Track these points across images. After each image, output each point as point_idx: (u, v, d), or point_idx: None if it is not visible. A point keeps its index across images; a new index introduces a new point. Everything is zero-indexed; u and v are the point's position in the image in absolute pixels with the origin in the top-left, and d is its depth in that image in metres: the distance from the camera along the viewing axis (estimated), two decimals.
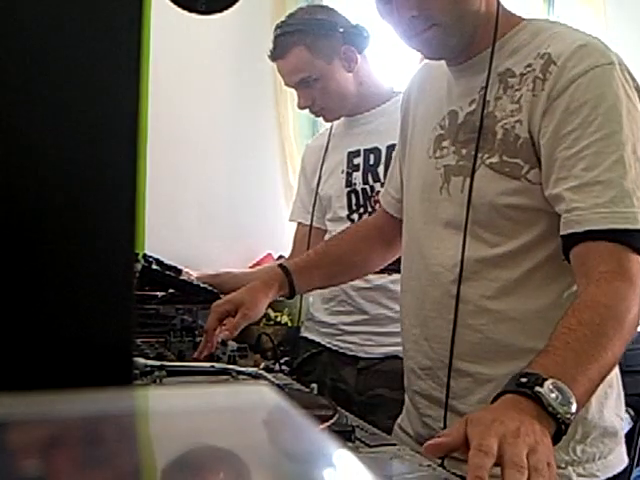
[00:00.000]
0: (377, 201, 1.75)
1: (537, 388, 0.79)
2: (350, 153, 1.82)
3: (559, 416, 0.78)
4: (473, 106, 1.13)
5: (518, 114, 1.05)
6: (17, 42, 0.44)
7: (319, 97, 1.79)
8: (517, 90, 1.06)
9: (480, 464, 0.69)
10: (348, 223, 1.79)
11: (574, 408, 0.79)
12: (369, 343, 1.75)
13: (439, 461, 0.97)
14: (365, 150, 1.79)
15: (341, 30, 1.75)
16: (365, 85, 1.81)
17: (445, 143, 1.17)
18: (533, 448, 0.72)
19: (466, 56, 1.14)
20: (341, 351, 1.79)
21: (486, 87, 1.10)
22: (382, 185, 1.74)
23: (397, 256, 1.50)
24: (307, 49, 1.74)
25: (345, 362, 1.78)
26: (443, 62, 1.19)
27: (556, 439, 0.79)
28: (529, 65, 1.06)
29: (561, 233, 1.00)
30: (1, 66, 0.43)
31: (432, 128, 1.20)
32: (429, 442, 0.78)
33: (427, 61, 1.30)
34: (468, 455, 0.72)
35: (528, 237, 1.07)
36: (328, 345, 1.82)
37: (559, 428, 0.79)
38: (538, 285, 1.08)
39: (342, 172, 1.82)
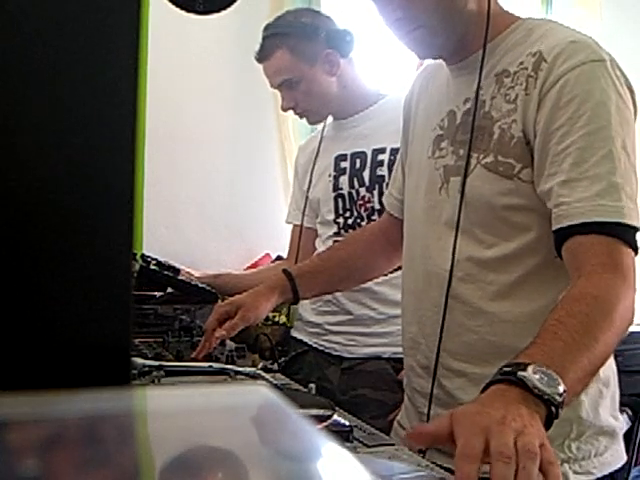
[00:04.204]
0: (362, 205, 1.77)
1: (520, 373, 0.78)
2: (337, 157, 1.83)
3: (547, 397, 0.77)
4: (468, 105, 1.13)
5: (514, 114, 1.05)
6: (15, 42, 0.44)
7: (302, 99, 1.81)
8: (510, 88, 1.06)
9: (467, 471, 0.68)
10: (335, 227, 1.81)
11: (562, 389, 0.78)
12: (353, 343, 1.76)
13: (438, 461, 0.98)
14: (352, 154, 1.81)
15: (324, 34, 1.76)
16: (349, 88, 1.82)
17: (444, 144, 1.17)
18: (521, 432, 0.71)
19: (462, 55, 1.14)
20: (326, 351, 1.80)
21: (478, 87, 1.10)
22: (367, 189, 1.76)
23: None
24: (289, 52, 1.76)
25: (329, 362, 1.79)
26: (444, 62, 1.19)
27: (548, 423, 0.78)
28: (521, 63, 1.06)
29: (553, 228, 1.00)
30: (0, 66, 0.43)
31: (432, 128, 1.20)
32: (410, 432, 0.77)
33: (427, 63, 1.30)
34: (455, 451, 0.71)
35: (524, 240, 1.07)
36: (314, 345, 1.83)
37: (550, 412, 0.78)
38: (534, 289, 1.08)
39: (329, 176, 1.83)
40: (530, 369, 0.78)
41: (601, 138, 0.97)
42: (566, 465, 1.07)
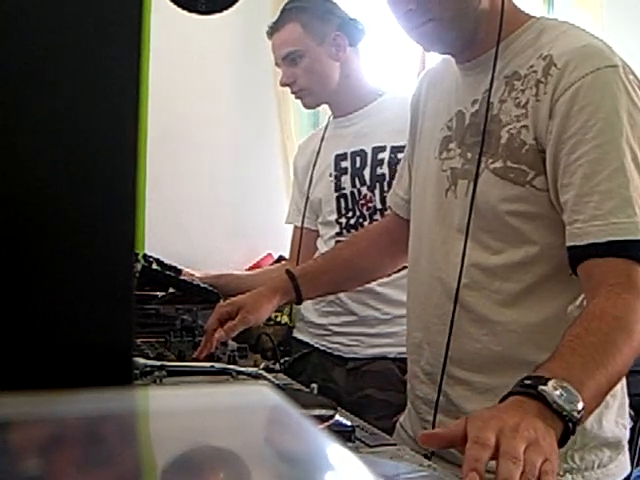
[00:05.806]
0: (364, 205, 1.76)
1: (541, 387, 0.78)
2: (337, 156, 1.82)
3: (565, 413, 0.77)
4: (476, 106, 1.11)
5: (524, 119, 1.03)
6: (15, 42, 0.44)
7: (302, 76, 1.80)
8: (521, 92, 1.04)
9: (477, 456, 0.69)
10: (337, 227, 1.81)
11: (580, 406, 0.78)
12: (358, 344, 1.75)
13: (439, 463, 0.97)
14: (352, 153, 1.80)
15: (337, 18, 1.78)
16: (351, 79, 1.82)
17: (452, 145, 1.15)
18: (532, 442, 0.71)
19: (472, 54, 1.12)
20: (329, 351, 1.79)
21: (490, 89, 1.08)
22: (368, 188, 1.75)
23: None
24: (301, 26, 1.78)
25: (334, 363, 1.78)
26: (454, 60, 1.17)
27: (564, 439, 0.78)
28: (531, 66, 1.04)
29: (566, 244, 0.99)
30: (1, 67, 0.43)
31: (440, 128, 1.19)
32: (425, 432, 0.78)
33: (431, 66, 1.29)
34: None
35: (531, 249, 1.05)
36: (317, 346, 1.82)
37: (567, 428, 0.78)
38: (542, 298, 1.06)
39: (330, 176, 1.83)
40: (550, 384, 0.78)
41: (613, 150, 0.96)
42: (569, 475, 1.05)
